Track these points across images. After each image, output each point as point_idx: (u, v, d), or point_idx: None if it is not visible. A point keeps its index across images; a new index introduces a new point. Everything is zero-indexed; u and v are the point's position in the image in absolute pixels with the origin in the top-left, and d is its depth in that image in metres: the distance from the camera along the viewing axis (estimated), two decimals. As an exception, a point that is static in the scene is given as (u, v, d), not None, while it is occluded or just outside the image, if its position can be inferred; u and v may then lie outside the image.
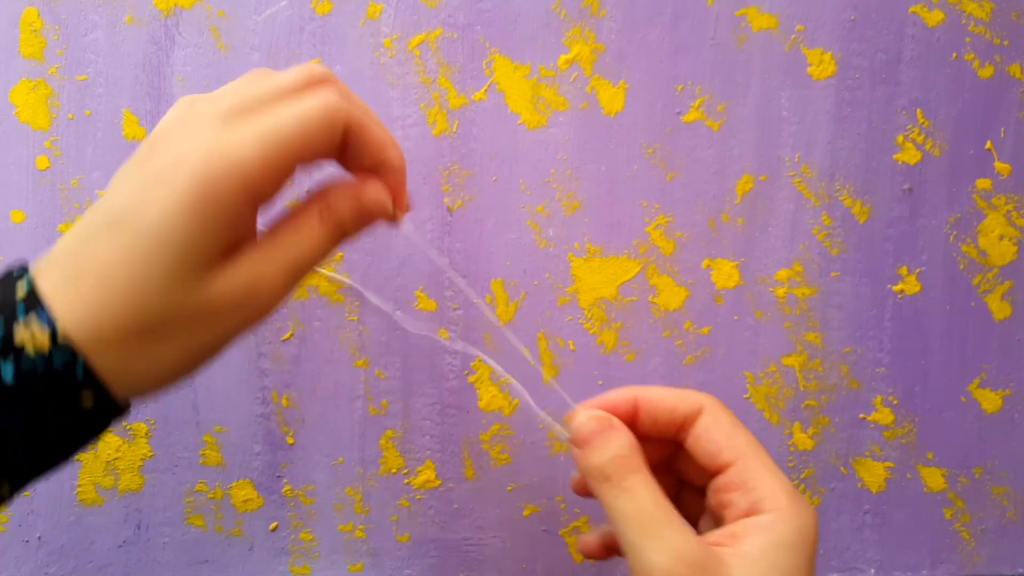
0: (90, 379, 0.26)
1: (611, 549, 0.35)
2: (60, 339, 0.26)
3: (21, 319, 0.26)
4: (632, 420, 0.33)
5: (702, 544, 0.29)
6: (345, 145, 0.30)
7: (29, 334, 0.26)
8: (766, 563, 0.29)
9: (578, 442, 0.32)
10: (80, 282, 0.27)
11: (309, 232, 0.30)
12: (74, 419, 0.27)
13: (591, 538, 0.35)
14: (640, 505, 0.30)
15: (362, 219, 0.31)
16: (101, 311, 0.26)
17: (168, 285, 0.27)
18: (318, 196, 0.31)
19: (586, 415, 0.33)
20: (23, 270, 0.27)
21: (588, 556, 0.36)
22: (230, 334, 0.30)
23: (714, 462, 0.31)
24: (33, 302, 0.26)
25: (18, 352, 0.25)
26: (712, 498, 0.32)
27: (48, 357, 0.26)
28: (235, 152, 0.27)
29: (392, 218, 0.32)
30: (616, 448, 0.31)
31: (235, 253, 0.29)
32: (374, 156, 0.31)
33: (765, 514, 0.30)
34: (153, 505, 0.45)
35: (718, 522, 0.31)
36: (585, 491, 0.33)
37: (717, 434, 0.31)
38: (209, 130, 0.28)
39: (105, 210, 0.28)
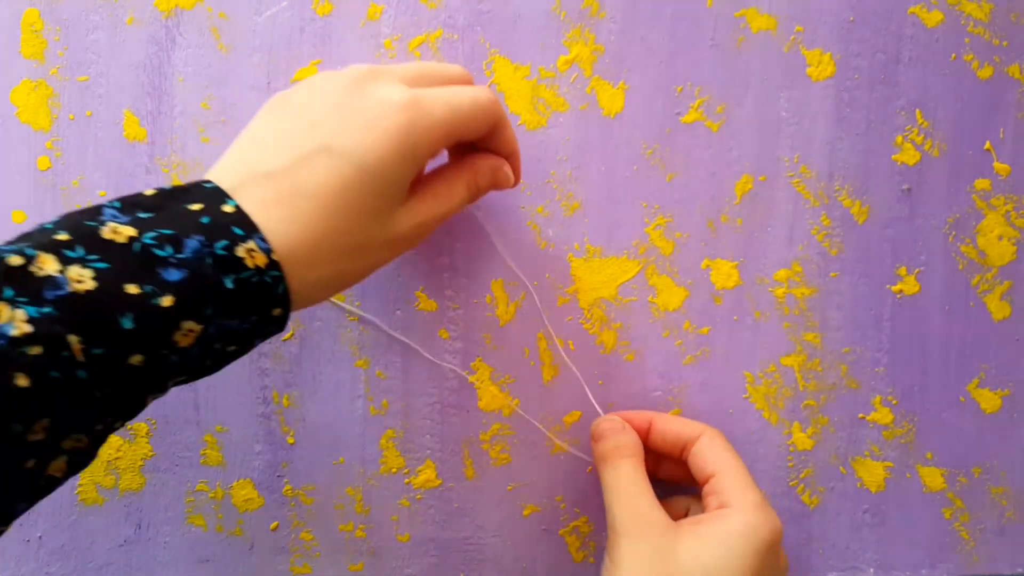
0: (285, 296, 0.30)
1: None
2: (274, 260, 0.29)
3: (240, 242, 0.29)
4: (645, 435, 0.42)
5: (661, 513, 0.37)
6: (490, 132, 0.37)
7: (247, 252, 0.29)
8: (712, 541, 0.36)
9: (595, 437, 0.42)
10: (296, 202, 0.30)
11: (460, 191, 0.36)
12: (260, 327, 0.30)
13: None
14: (619, 477, 0.39)
15: (494, 187, 0.39)
16: (315, 235, 0.30)
17: (374, 218, 0.32)
18: (468, 164, 0.37)
19: (606, 418, 0.43)
20: (211, 185, 0.30)
21: None
22: (390, 260, 0.35)
23: (702, 474, 0.40)
24: (247, 224, 0.29)
25: (237, 265, 0.28)
26: (702, 502, 0.40)
27: (262, 272, 0.29)
28: (431, 108, 0.32)
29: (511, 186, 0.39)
30: (618, 441, 0.41)
31: (408, 198, 0.34)
32: (507, 146, 0.38)
33: (727, 509, 0.37)
34: (154, 504, 0.45)
35: None
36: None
37: (708, 453, 0.40)
38: (404, 87, 0.33)
39: (315, 137, 0.31)
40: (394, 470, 0.45)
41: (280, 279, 0.29)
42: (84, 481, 0.45)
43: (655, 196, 0.45)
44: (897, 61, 0.46)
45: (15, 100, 0.43)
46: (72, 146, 0.44)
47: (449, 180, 0.36)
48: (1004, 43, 0.46)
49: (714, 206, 0.46)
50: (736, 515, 0.37)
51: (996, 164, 0.47)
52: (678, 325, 0.46)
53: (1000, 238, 0.47)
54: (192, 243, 0.28)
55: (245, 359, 0.44)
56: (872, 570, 0.48)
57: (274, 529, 0.45)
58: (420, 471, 0.46)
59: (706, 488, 0.39)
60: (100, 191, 0.44)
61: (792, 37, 0.45)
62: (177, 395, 0.44)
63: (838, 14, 0.45)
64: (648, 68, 0.45)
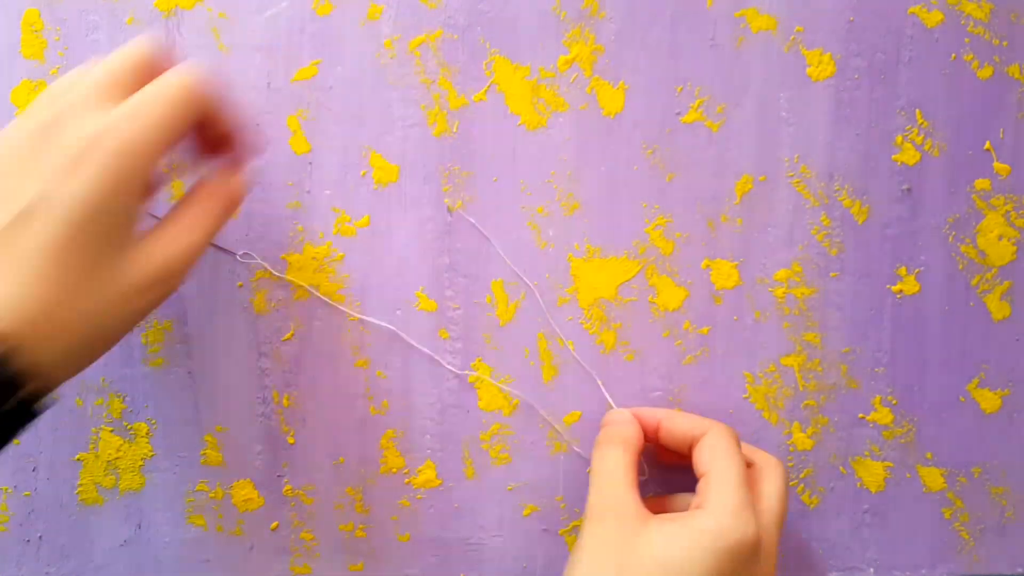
0: (29, 372, 0.28)
1: None
2: (4, 330, 0.27)
3: None
4: (655, 432, 0.42)
5: (634, 501, 0.37)
6: (206, 119, 0.34)
7: None
8: (675, 537, 0.35)
9: (602, 424, 0.43)
10: (16, 268, 0.28)
11: (204, 216, 0.34)
12: (10, 412, 0.28)
13: None
14: (603, 463, 0.39)
15: (239, 200, 0.37)
16: (47, 299, 0.28)
17: (107, 266, 0.29)
18: (201, 187, 0.35)
19: (617, 411, 0.44)
20: None
21: None
22: (147, 310, 0.32)
23: (698, 471, 0.39)
24: None
25: None
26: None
27: None
28: (129, 134, 0.29)
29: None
30: (615, 431, 0.41)
31: (140, 236, 0.31)
32: (228, 126, 0.36)
33: (700, 509, 0.36)
34: (154, 504, 0.45)
35: None
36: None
37: (706, 452, 0.39)
38: (95, 115, 0.29)
39: (18, 196, 0.28)
40: (394, 470, 0.46)
41: (13, 352, 0.27)
42: (84, 481, 0.45)
43: (655, 196, 0.45)
44: (897, 61, 0.46)
45: (15, 100, 0.43)
46: (72, 146, 0.43)
47: (190, 209, 0.34)
48: (1004, 43, 0.46)
49: (714, 206, 0.46)
50: (706, 516, 0.36)
51: (996, 164, 0.47)
52: (678, 325, 0.46)
53: (1000, 238, 0.47)
54: None
55: (245, 359, 0.44)
56: (872, 570, 0.48)
57: (274, 529, 0.45)
58: (420, 471, 0.46)
59: (697, 487, 0.39)
60: (100, 191, 0.44)
61: (792, 37, 0.45)
62: (177, 395, 0.44)
63: (838, 14, 0.45)
64: (648, 68, 0.45)
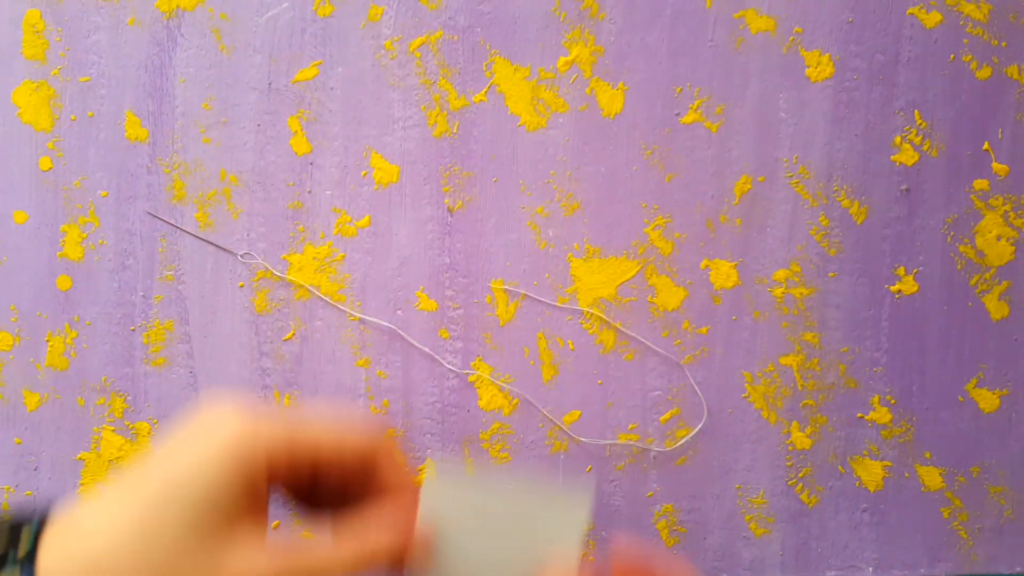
0: None
1: None
2: None
3: (6, 569, 0.24)
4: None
5: None
6: (369, 467, 0.29)
7: None
8: None
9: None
10: (82, 549, 0.25)
11: (347, 553, 0.28)
12: None
13: None
14: None
15: (398, 554, 0.29)
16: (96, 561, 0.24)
17: (190, 539, 0.25)
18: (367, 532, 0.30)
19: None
20: (42, 517, 0.26)
21: None
22: None
23: None
24: (28, 560, 0.25)
25: None
26: None
27: None
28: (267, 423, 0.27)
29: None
30: None
31: (254, 541, 0.27)
32: (394, 483, 0.30)
33: None
34: (155, 504, 0.45)
35: None
36: None
37: None
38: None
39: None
40: (394, 469, 0.46)
41: None
42: (86, 480, 0.45)
43: (654, 196, 0.45)
44: (896, 62, 0.46)
45: (17, 101, 0.43)
46: (73, 146, 0.44)
47: (341, 542, 0.29)
48: (1003, 44, 0.46)
49: (713, 206, 0.46)
50: None
51: (995, 164, 0.47)
52: (677, 325, 0.46)
53: (998, 238, 0.47)
54: None
55: (247, 359, 0.44)
56: (871, 569, 0.48)
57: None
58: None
59: None
60: (101, 191, 0.44)
61: (791, 38, 0.45)
62: (179, 394, 0.44)
63: (837, 15, 0.45)
64: (647, 69, 0.45)
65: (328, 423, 0.28)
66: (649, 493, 0.46)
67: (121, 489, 0.26)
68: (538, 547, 0.32)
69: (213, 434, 0.27)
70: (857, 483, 0.47)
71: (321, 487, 0.29)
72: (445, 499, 0.32)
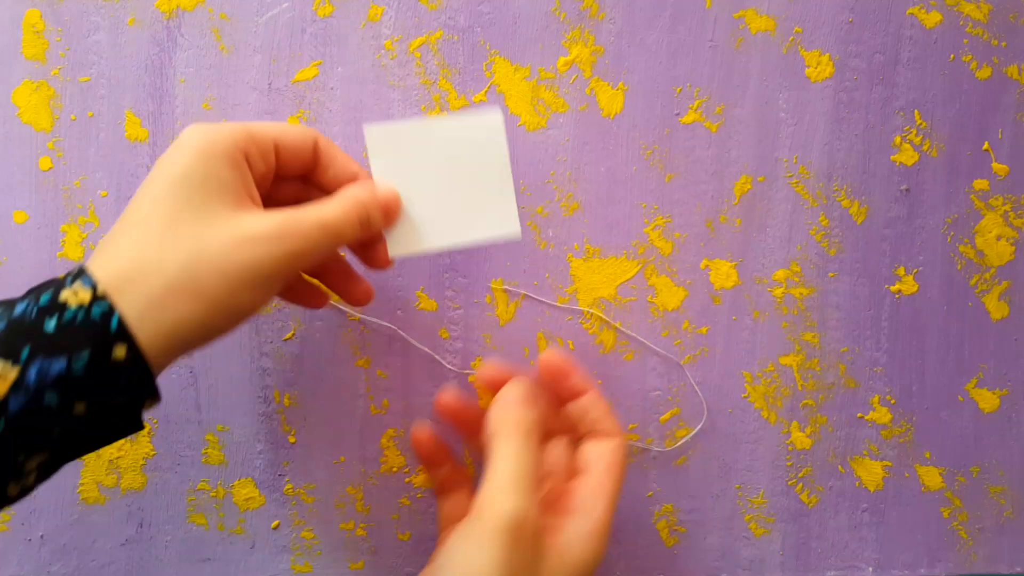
0: (123, 333, 0.28)
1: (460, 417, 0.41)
2: (99, 293, 0.28)
3: (68, 285, 0.29)
4: (574, 397, 0.40)
5: (536, 509, 0.34)
6: (318, 158, 0.36)
7: (72, 292, 0.28)
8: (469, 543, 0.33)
9: (506, 400, 0.38)
10: (112, 241, 0.30)
11: (336, 203, 0.34)
12: (110, 376, 0.28)
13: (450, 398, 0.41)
14: (511, 464, 0.35)
15: (381, 209, 0.36)
16: (131, 260, 0.29)
17: (203, 214, 0.30)
18: (343, 187, 0.36)
19: (522, 384, 0.38)
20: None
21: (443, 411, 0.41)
22: (253, 270, 0.31)
23: (583, 468, 0.38)
24: (79, 272, 0.29)
25: (61, 307, 0.28)
26: (563, 486, 0.38)
27: (88, 308, 0.28)
28: (217, 125, 0.33)
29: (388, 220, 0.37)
30: (527, 417, 0.37)
31: (257, 209, 0.33)
32: (346, 170, 0.37)
33: (583, 518, 0.36)
34: (155, 503, 0.45)
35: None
36: (449, 415, 0.41)
37: (602, 453, 0.38)
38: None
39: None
40: (395, 469, 0.46)
41: (110, 313, 0.28)
42: (86, 480, 0.45)
43: (654, 196, 0.45)
44: (896, 62, 0.46)
45: (17, 101, 0.43)
46: (74, 147, 0.44)
47: (323, 198, 0.35)
48: (1003, 44, 0.46)
49: (713, 206, 0.46)
50: (587, 524, 0.36)
51: (995, 164, 0.47)
52: (677, 325, 0.46)
53: (998, 238, 0.47)
54: (21, 305, 0.28)
55: (247, 359, 0.44)
56: (871, 569, 0.48)
57: (275, 528, 0.46)
58: (421, 470, 0.46)
59: (574, 481, 0.38)
60: (101, 192, 0.44)
61: (791, 38, 0.45)
62: (179, 394, 0.44)
63: (837, 15, 0.45)
64: (647, 69, 0.45)
65: (275, 122, 0.36)
66: (649, 493, 0.46)
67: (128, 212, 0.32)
68: (476, 169, 0.38)
69: (186, 140, 0.32)
70: (857, 483, 0.47)
71: (286, 171, 0.36)
72: (389, 157, 0.37)
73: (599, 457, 0.38)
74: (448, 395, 0.41)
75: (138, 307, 0.29)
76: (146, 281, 0.29)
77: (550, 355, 0.40)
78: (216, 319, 0.30)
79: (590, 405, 0.39)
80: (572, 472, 0.39)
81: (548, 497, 0.38)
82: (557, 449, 0.40)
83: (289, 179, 0.37)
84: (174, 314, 0.29)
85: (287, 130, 0.35)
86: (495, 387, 0.39)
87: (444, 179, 0.38)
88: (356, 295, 0.40)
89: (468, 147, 0.38)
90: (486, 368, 0.41)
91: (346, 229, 0.34)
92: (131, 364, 0.28)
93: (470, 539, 0.33)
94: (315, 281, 0.40)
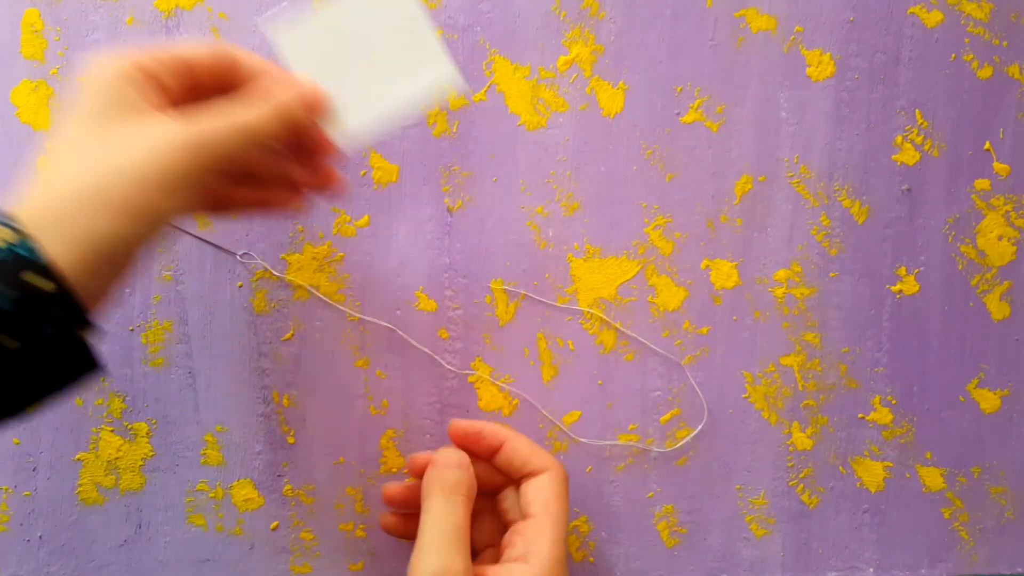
0: (42, 265, 0.28)
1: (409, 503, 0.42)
2: (18, 227, 0.28)
3: None
4: (495, 452, 0.41)
5: (464, 564, 0.35)
6: (228, 64, 0.35)
7: None
8: None
9: (437, 462, 0.39)
10: (33, 176, 0.31)
11: (250, 101, 0.33)
12: (37, 307, 0.28)
13: (396, 489, 0.42)
14: (439, 523, 0.37)
15: (303, 103, 0.35)
16: (45, 189, 0.30)
17: (99, 138, 0.31)
18: (260, 81, 0.35)
19: (449, 450, 0.40)
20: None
21: (391, 504, 0.43)
22: (172, 175, 0.31)
23: (526, 511, 0.39)
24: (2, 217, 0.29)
25: None
26: (505, 538, 0.39)
27: (9, 247, 0.28)
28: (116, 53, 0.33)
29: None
30: (449, 477, 0.38)
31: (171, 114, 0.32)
32: (252, 69, 0.36)
33: (522, 565, 0.36)
34: (154, 504, 0.45)
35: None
36: (399, 503, 0.42)
37: (537, 492, 0.39)
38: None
39: None
40: (394, 470, 0.46)
41: (31, 247, 0.28)
42: (84, 481, 0.45)
43: (655, 196, 0.45)
44: (897, 61, 0.46)
45: (15, 100, 0.43)
46: (72, 146, 0.44)
47: (240, 96, 0.34)
48: (1004, 43, 0.46)
49: (714, 206, 0.46)
50: (530, 572, 0.36)
51: (996, 164, 0.47)
52: (678, 325, 0.46)
53: (1000, 238, 0.47)
54: None
55: (245, 359, 0.44)
56: (871, 570, 0.48)
57: (274, 529, 0.45)
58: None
59: (517, 526, 0.39)
60: (100, 191, 0.44)
61: (792, 37, 0.45)
62: (177, 395, 0.44)
63: (838, 14, 0.45)
64: (648, 68, 0.45)
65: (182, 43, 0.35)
66: (649, 494, 0.46)
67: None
68: (394, 35, 0.36)
69: (83, 73, 0.32)
70: (858, 484, 0.47)
71: (206, 88, 0.35)
72: (300, 50, 0.36)
73: (535, 496, 0.39)
74: (391, 488, 0.42)
75: (56, 232, 0.29)
76: (60, 203, 0.29)
77: (454, 425, 0.42)
78: (136, 227, 0.30)
79: (511, 453, 0.40)
80: (525, 517, 0.39)
81: (502, 548, 0.39)
82: (509, 499, 0.41)
83: (213, 95, 0.35)
84: (89, 229, 0.29)
85: (197, 48, 0.34)
86: (463, 443, 0.42)
87: (366, 56, 0.36)
88: (319, 182, 0.38)
89: (378, 16, 0.36)
90: (454, 427, 0.42)
91: (263, 127, 0.33)
92: (58, 294, 0.28)
93: None
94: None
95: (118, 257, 0.30)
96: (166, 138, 0.31)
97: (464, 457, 0.39)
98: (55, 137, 0.32)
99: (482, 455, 0.41)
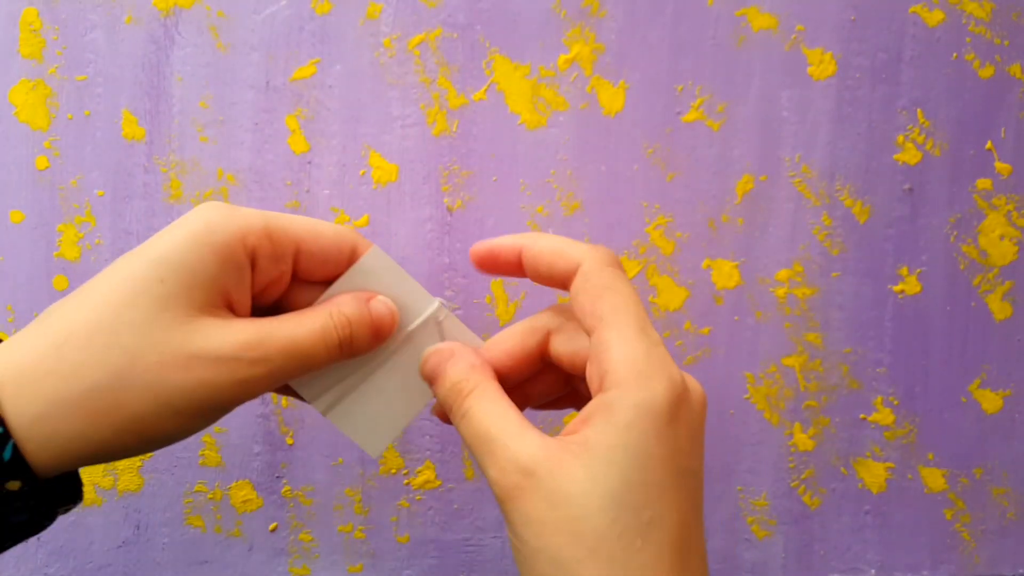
0: (16, 465, 0.24)
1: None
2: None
3: None
4: (518, 265, 0.31)
5: (541, 447, 0.26)
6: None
7: None
8: (604, 451, 0.26)
9: (428, 379, 0.31)
10: (51, 316, 0.26)
11: (315, 319, 0.28)
12: (4, 503, 0.25)
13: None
14: (475, 428, 0.28)
15: (370, 323, 0.30)
16: (47, 353, 0.25)
17: (140, 318, 0.26)
18: (329, 300, 0.30)
19: (428, 350, 0.32)
20: None
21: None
22: (190, 398, 0.26)
23: (584, 326, 0.29)
24: None
25: None
26: (586, 372, 0.29)
27: None
28: (243, 209, 0.28)
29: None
30: (452, 377, 0.30)
31: (226, 317, 0.28)
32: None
33: (608, 391, 0.27)
34: (152, 505, 0.45)
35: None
36: (445, 416, 0.31)
37: (583, 298, 0.28)
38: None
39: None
40: (393, 471, 0.45)
41: (5, 438, 0.24)
42: (84, 481, 0.44)
43: (656, 196, 0.45)
44: (898, 60, 0.46)
45: (13, 99, 0.43)
46: (70, 145, 0.43)
47: (302, 311, 0.29)
48: (1005, 42, 0.46)
49: (715, 206, 0.45)
50: (620, 401, 0.26)
51: (998, 164, 0.47)
52: (679, 325, 0.46)
53: (1002, 238, 0.47)
54: None
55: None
56: (873, 571, 0.47)
57: (273, 530, 0.45)
58: (419, 472, 0.45)
59: (590, 354, 0.28)
60: (98, 190, 0.44)
61: (793, 36, 0.45)
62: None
63: (839, 13, 0.45)
64: (649, 67, 0.45)
65: (308, 219, 0.29)
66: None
67: (96, 280, 0.27)
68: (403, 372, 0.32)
69: (188, 218, 0.27)
70: (860, 485, 0.47)
71: (310, 275, 0.30)
72: (374, 278, 0.31)
73: (579, 304, 0.29)
74: (479, 246, 0.32)
75: (31, 415, 0.25)
76: (54, 384, 0.25)
77: (472, 252, 0.32)
78: (126, 441, 0.26)
79: (533, 261, 0.31)
80: (588, 333, 0.30)
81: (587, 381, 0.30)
82: (559, 338, 0.32)
83: (317, 284, 0.31)
84: (72, 429, 0.25)
85: (319, 232, 0.29)
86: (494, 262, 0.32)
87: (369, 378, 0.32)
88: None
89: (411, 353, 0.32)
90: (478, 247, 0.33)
91: (320, 353, 0.28)
92: (26, 492, 0.25)
93: (632, 432, 0.27)
94: None
95: (93, 460, 0.27)
96: (207, 352, 0.26)
97: (443, 350, 0.31)
98: (105, 276, 0.26)
99: (511, 272, 0.32)
